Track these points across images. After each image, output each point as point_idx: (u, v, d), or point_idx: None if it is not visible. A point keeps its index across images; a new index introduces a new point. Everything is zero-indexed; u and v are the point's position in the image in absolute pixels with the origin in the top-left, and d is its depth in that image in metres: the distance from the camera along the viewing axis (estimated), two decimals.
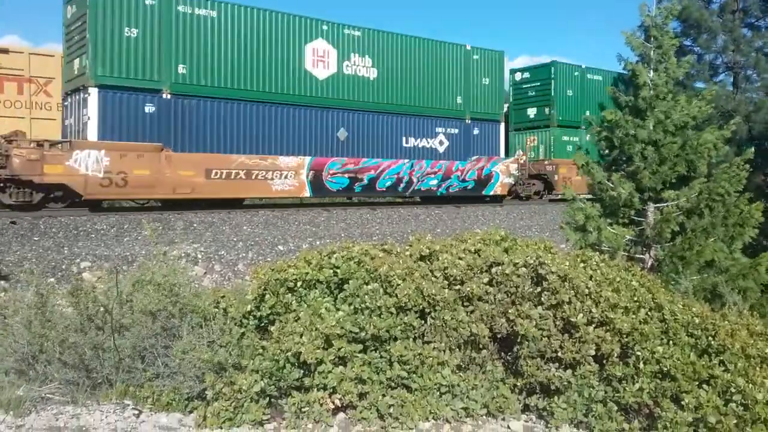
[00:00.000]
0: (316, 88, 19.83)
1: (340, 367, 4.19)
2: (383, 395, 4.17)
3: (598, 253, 5.45)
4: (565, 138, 27.07)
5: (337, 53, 20.37)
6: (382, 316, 4.30)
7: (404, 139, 21.93)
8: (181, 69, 17.15)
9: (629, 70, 9.31)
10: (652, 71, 9.08)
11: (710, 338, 4.61)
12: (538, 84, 27.61)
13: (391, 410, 4.12)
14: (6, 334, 4.62)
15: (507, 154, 26.08)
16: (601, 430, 4.30)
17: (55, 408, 4.14)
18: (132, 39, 16.32)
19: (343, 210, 19.71)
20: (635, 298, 4.76)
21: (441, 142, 22.96)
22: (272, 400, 4.22)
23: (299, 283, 4.62)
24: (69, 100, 17.49)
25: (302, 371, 4.19)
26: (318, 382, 4.13)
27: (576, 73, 27.50)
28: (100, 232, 14.35)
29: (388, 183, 21.21)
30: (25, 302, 4.66)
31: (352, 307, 4.42)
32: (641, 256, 8.97)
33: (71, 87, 17.14)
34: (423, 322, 4.49)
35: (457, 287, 4.57)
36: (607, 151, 9.56)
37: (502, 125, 24.97)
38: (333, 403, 4.16)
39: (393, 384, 4.24)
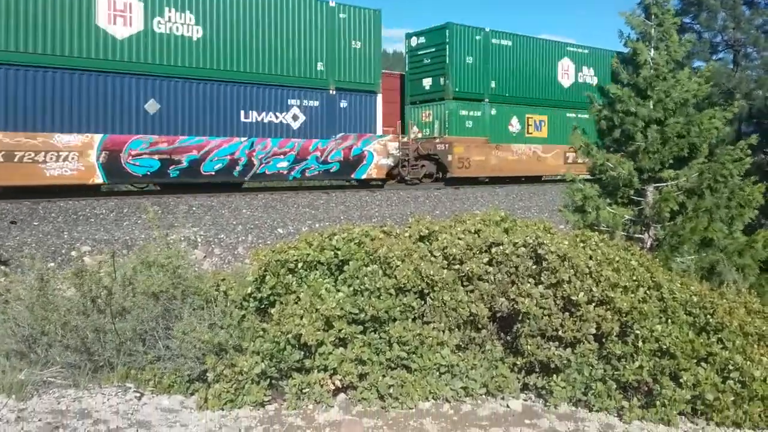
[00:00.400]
0: (113, 50, 16.26)
1: (341, 348, 4.21)
2: (383, 376, 4.19)
3: (597, 233, 5.45)
4: (464, 112, 23.77)
5: (143, 6, 16.63)
6: (381, 297, 4.31)
7: (242, 113, 18.32)
8: None
9: (630, 48, 9.24)
10: (653, 50, 9.02)
11: (708, 316, 4.63)
12: (433, 50, 23.89)
13: (391, 390, 4.14)
14: (7, 318, 4.64)
15: (404, 131, 23.23)
16: (600, 407, 4.33)
17: (57, 391, 4.16)
18: None
19: (342, 192, 19.71)
20: (634, 278, 4.77)
21: (295, 117, 19.35)
22: (273, 381, 4.24)
23: (300, 265, 4.63)
24: None
25: (303, 353, 4.21)
26: (318, 364, 4.15)
27: (478, 37, 24.06)
28: (99, 216, 14.36)
29: (218, 166, 17.86)
30: (26, 286, 4.67)
31: (351, 288, 4.43)
32: (640, 235, 8.97)
33: None
34: (422, 302, 4.50)
35: (457, 267, 4.58)
36: (606, 130, 9.52)
37: (380, 97, 21.32)
38: (333, 384, 4.18)
39: (393, 365, 4.26)
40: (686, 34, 9.48)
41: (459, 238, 4.75)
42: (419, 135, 23.85)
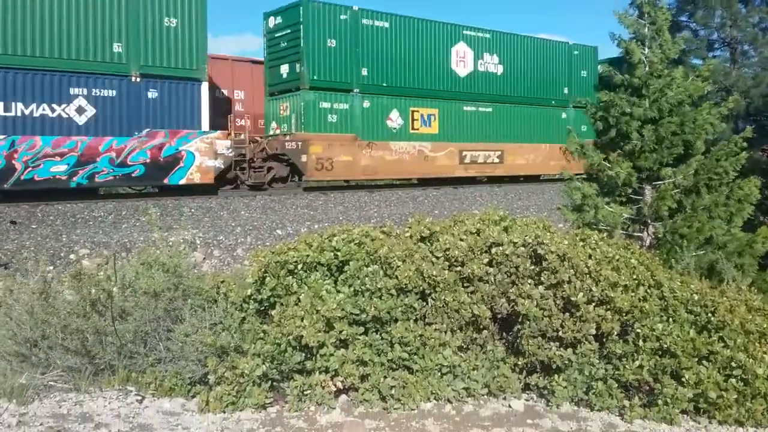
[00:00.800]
0: None
1: (342, 349, 4.20)
2: (385, 377, 4.18)
3: (596, 231, 5.45)
4: (325, 105, 20.13)
5: None
6: (382, 297, 4.30)
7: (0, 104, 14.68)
8: None
9: (623, 49, 9.27)
10: (646, 48, 9.03)
11: (710, 315, 4.63)
12: (289, 32, 20.21)
13: (393, 391, 4.13)
14: (8, 321, 4.62)
15: (265, 128, 20.48)
16: (601, 407, 4.33)
17: (58, 395, 4.15)
18: None
19: (341, 193, 19.69)
20: (634, 276, 4.77)
21: (81, 110, 15.63)
22: (274, 383, 4.23)
23: (300, 266, 4.62)
24: None
25: (304, 354, 4.20)
26: (320, 365, 4.14)
27: (343, 17, 20.44)
28: (97, 219, 14.34)
29: None
30: (27, 289, 4.66)
31: (352, 289, 4.42)
32: (639, 234, 8.99)
33: None
34: (424, 303, 4.49)
35: (458, 268, 4.57)
36: (602, 130, 9.54)
37: (205, 86, 17.69)
38: (335, 385, 4.18)
39: (394, 365, 4.25)
40: (682, 32, 9.47)
41: (461, 239, 4.74)
42: (277, 131, 20.65)
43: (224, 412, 4.04)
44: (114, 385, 4.36)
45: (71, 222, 13.93)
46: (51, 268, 9.90)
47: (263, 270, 4.63)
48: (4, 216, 13.54)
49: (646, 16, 9.08)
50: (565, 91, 26.93)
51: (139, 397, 4.21)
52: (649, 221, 8.88)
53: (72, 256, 11.45)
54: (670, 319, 4.58)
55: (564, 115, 26.88)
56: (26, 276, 4.89)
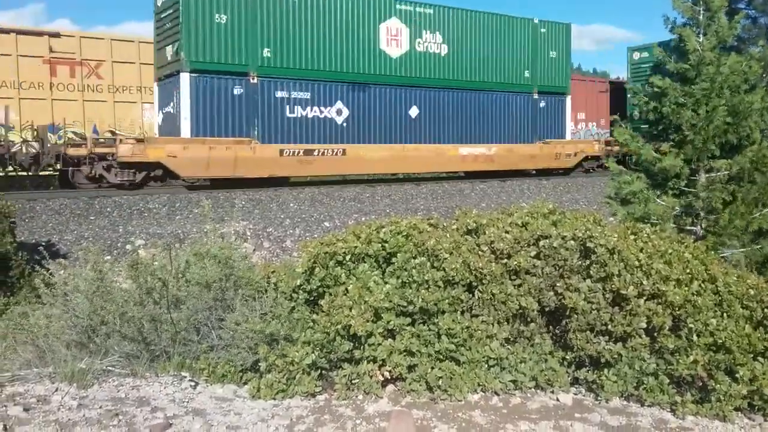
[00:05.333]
0: None
1: (389, 339, 4.24)
2: (432, 367, 4.21)
3: (648, 225, 5.35)
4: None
5: None
6: (429, 289, 4.33)
7: None
8: None
9: (677, 35, 9.00)
10: (701, 35, 8.75)
11: (765, 310, 4.51)
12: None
13: (440, 382, 4.16)
14: (67, 309, 4.82)
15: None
16: (652, 402, 4.27)
17: (116, 380, 4.31)
18: None
19: (388, 186, 19.75)
20: (688, 270, 4.67)
21: None
22: (323, 372, 4.31)
23: (348, 257, 4.68)
24: None
25: (352, 344, 4.26)
26: (368, 354, 4.20)
27: None
28: (152, 211, 14.74)
29: None
30: (85, 278, 4.85)
31: (399, 280, 4.46)
32: (691, 227, 8.76)
33: None
34: (470, 295, 4.50)
35: (504, 261, 4.56)
36: (653, 121, 9.29)
37: None
38: (382, 375, 4.22)
39: (441, 356, 4.28)
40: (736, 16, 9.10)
41: (506, 232, 4.72)
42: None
43: (275, 399, 4.13)
44: (169, 370, 4.50)
45: (127, 213, 14.36)
46: (108, 257, 10.24)
47: (312, 261, 4.71)
48: (65, 208, 14.03)
49: (700, 1, 8.80)
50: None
51: (193, 383, 4.34)
52: (702, 214, 8.64)
53: (128, 247, 11.81)
54: (725, 314, 4.48)
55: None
56: (83, 265, 5.08)
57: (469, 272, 4.41)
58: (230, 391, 4.30)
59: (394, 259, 4.59)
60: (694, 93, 8.40)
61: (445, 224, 5.08)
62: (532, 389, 4.38)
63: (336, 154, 19.38)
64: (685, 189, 8.83)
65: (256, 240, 13.04)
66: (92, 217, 13.85)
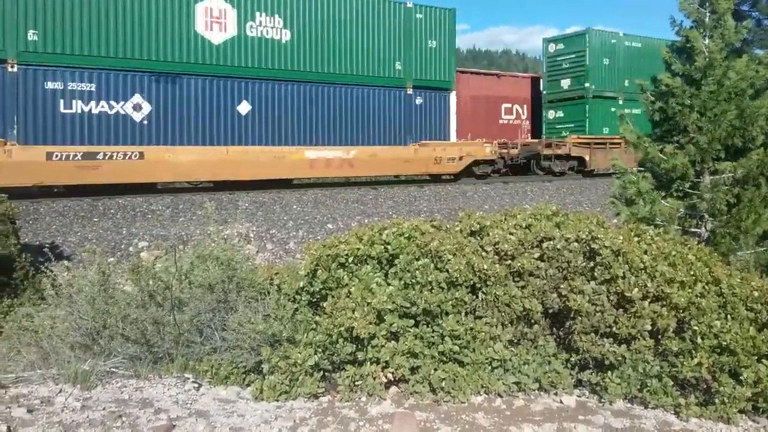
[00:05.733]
0: None
1: (393, 341, 4.24)
2: (435, 369, 4.20)
3: (652, 227, 5.33)
4: None
5: None
6: (433, 291, 4.32)
7: None
8: None
9: (683, 37, 8.98)
10: (707, 38, 8.74)
11: None
12: None
13: (444, 384, 4.15)
14: (71, 311, 4.83)
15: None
16: (656, 404, 4.26)
17: (119, 381, 4.31)
18: None
19: (391, 188, 19.75)
20: (692, 273, 4.66)
21: None
22: (326, 373, 4.30)
23: (351, 259, 4.67)
24: None
25: (355, 345, 4.25)
26: (371, 356, 4.19)
27: None
28: (156, 212, 14.77)
29: None
30: (88, 280, 4.86)
31: (402, 282, 4.45)
32: (696, 229, 8.74)
33: None
34: (474, 297, 4.49)
35: (508, 262, 4.55)
36: (659, 122, 9.27)
37: None
38: (386, 377, 4.22)
39: (445, 358, 4.27)
40: (743, 21, 9.09)
41: (510, 233, 4.72)
42: None
43: (278, 401, 4.13)
44: (172, 372, 4.51)
45: (131, 215, 14.39)
46: (112, 259, 10.26)
47: (315, 263, 4.71)
48: (68, 210, 14.07)
49: (706, 4, 8.79)
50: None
51: (196, 385, 4.34)
52: (706, 216, 8.63)
53: (131, 249, 11.84)
54: (729, 317, 4.46)
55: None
56: (87, 267, 5.09)
57: (472, 274, 4.41)
58: (233, 393, 4.30)
59: (396, 261, 4.59)
60: (701, 95, 8.38)
61: (448, 226, 5.08)
62: (536, 391, 4.37)
63: (130, 157, 16.00)
64: (690, 191, 8.81)
65: (259, 242, 13.06)
66: (96, 219, 13.88)
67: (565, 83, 27.06)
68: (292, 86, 18.70)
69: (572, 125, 26.87)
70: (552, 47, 27.59)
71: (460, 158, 22.13)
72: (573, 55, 26.62)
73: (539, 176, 25.79)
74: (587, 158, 26.07)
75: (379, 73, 20.38)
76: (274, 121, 18.50)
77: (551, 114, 28.04)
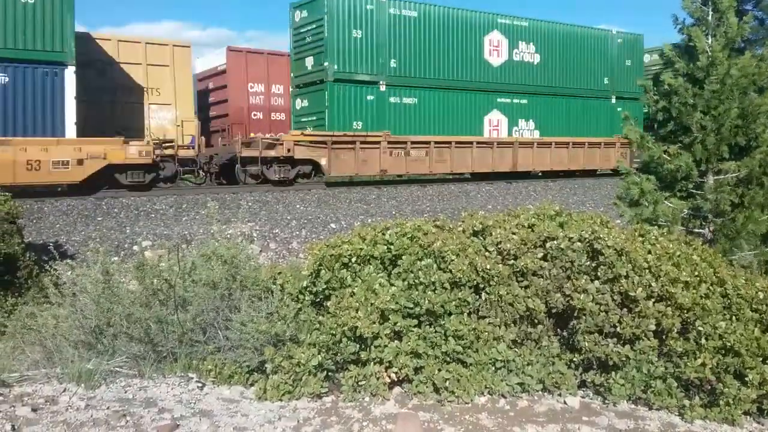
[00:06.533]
0: None
1: (396, 341, 4.24)
2: (439, 369, 4.20)
3: (656, 227, 5.32)
4: None
5: None
6: (436, 291, 4.32)
7: None
8: None
9: (686, 35, 8.96)
10: (710, 37, 8.72)
11: None
12: None
13: (447, 384, 4.15)
14: (75, 310, 4.83)
15: None
16: (660, 406, 4.24)
17: (123, 380, 4.32)
18: None
19: (394, 188, 19.74)
20: (696, 273, 4.64)
21: None
22: (330, 373, 4.30)
23: (354, 259, 4.67)
24: None
25: (358, 345, 4.25)
26: (374, 356, 4.19)
27: None
28: (159, 212, 14.78)
29: None
30: (92, 279, 4.86)
31: (405, 282, 4.45)
32: (699, 230, 8.72)
33: None
34: (477, 297, 4.48)
35: (511, 262, 4.55)
36: (662, 121, 9.25)
37: None
38: (389, 377, 4.21)
39: (448, 358, 4.26)
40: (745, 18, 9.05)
41: (513, 233, 4.71)
42: None
43: (281, 401, 4.13)
44: (176, 371, 4.51)
45: (134, 214, 14.41)
46: (116, 258, 10.28)
47: (318, 263, 4.70)
48: (72, 209, 14.09)
49: (709, 2, 8.76)
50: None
51: (200, 384, 4.34)
52: (710, 216, 8.60)
53: (135, 248, 11.84)
54: (734, 317, 4.45)
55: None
56: (91, 266, 5.09)
57: (476, 274, 4.40)
58: (237, 393, 4.30)
59: (399, 261, 4.58)
60: (704, 94, 8.35)
61: (451, 226, 5.07)
62: (540, 392, 4.36)
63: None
64: (693, 191, 8.79)
65: (262, 241, 13.06)
66: (99, 218, 13.90)
67: (309, 63, 20.51)
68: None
69: (314, 118, 20.43)
70: (297, 15, 20.90)
71: (79, 162, 15.56)
72: (314, 26, 20.04)
73: (249, 185, 18.74)
74: (324, 162, 19.21)
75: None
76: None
77: (298, 103, 21.39)
